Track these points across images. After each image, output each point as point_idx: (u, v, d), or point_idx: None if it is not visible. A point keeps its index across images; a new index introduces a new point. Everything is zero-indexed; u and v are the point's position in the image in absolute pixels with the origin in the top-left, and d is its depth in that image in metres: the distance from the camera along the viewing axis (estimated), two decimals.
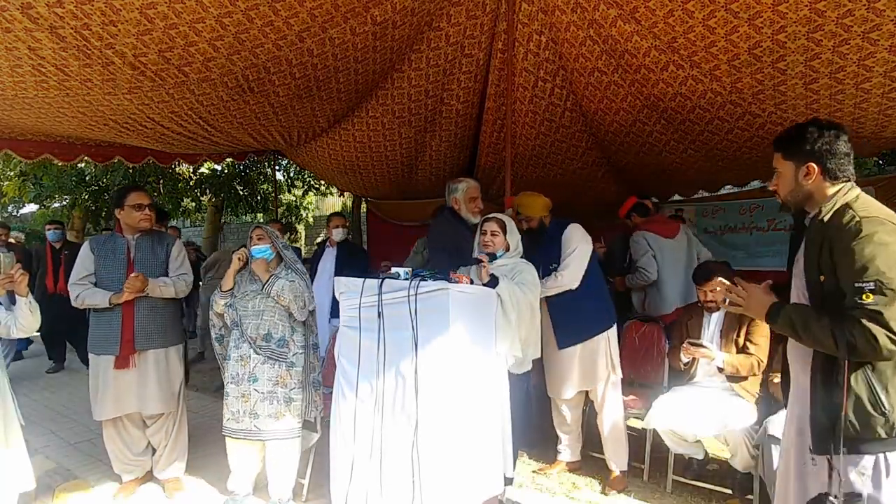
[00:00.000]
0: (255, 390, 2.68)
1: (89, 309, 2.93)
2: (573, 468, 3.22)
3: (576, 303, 2.93)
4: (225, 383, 2.79)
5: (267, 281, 2.77)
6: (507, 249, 2.71)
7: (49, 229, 5.78)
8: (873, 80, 2.57)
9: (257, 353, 2.71)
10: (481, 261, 2.54)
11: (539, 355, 2.75)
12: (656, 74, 3.13)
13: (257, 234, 2.84)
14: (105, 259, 2.91)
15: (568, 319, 2.96)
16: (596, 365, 2.98)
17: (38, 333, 6.30)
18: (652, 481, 3.06)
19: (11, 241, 6.03)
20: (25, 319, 2.38)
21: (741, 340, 2.90)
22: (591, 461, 3.23)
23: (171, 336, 2.97)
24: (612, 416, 3.05)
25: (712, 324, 3.02)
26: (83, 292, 2.85)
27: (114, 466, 2.98)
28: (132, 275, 2.82)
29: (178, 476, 3.04)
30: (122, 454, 2.95)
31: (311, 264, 4.56)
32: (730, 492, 2.89)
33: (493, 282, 2.49)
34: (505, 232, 2.70)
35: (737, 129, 3.40)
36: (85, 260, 2.93)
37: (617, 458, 3.05)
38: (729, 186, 5.36)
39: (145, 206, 2.95)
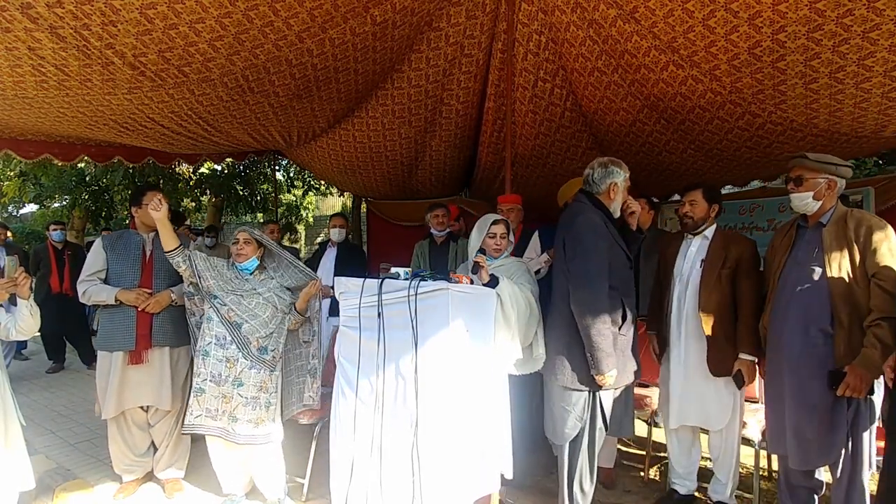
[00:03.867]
0: (239, 394, 2.65)
1: (95, 307, 2.93)
2: None
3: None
4: (196, 378, 2.69)
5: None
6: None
7: (55, 230, 5.79)
8: (873, 79, 2.57)
9: (246, 358, 2.67)
10: (478, 262, 2.53)
11: (544, 356, 2.74)
12: (656, 74, 3.13)
13: (244, 239, 2.79)
14: (119, 255, 2.89)
15: None
16: None
17: (39, 333, 6.33)
18: (652, 481, 3.06)
19: (9, 235, 6.02)
20: (25, 322, 2.37)
21: (727, 273, 2.58)
22: None
23: (183, 335, 2.98)
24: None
25: (692, 249, 2.72)
26: (90, 288, 2.84)
27: (115, 467, 2.98)
28: (146, 294, 2.84)
29: (178, 476, 3.04)
30: (124, 455, 2.95)
31: (312, 264, 4.58)
32: None
33: (492, 282, 2.49)
34: (508, 233, 2.72)
35: (737, 129, 3.39)
36: (96, 256, 2.90)
37: (609, 454, 3.09)
38: (729, 186, 5.35)
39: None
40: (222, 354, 2.68)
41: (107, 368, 2.83)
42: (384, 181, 5.60)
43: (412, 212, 6.04)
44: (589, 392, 2.38)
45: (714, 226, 2.74)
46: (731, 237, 2.72)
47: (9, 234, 5.99)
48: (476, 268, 2.50)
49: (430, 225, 4.42)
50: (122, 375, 2.81)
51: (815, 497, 2.33)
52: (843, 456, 2.14)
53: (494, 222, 2.71)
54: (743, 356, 2.53)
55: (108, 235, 3.04)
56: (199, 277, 2.70)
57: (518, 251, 2.91)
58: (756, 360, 2.53)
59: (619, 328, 2.36)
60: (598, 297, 2.28)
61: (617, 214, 2.52)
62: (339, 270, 4.04)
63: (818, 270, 2.15)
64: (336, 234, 4.49)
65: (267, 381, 2.71)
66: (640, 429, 3.51)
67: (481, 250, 2.69)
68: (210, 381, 2.67)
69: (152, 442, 3.03)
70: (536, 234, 3.33)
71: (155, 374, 2.87)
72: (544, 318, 2.58)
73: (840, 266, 2.11)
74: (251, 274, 2.81)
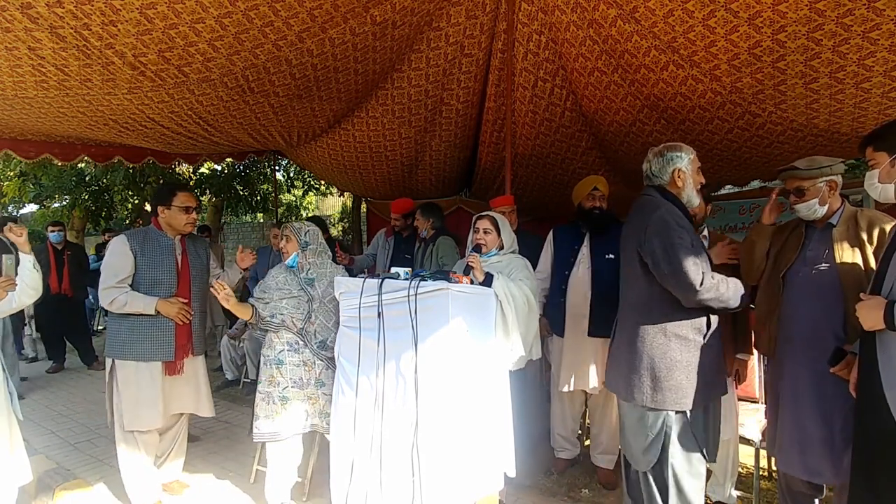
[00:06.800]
0: (324, 394, 2.69)
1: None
2: (572, 467, 3.23)
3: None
4: (276, 388, 2.64)
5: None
6: (501, 248, 2.71)
7: (52, 231, 5.79)
8: (873, 79, 2.57)
9: (321, 360, 2.70)
10: (469, 263, 2.52)
11: (540, 354, 2.73)
12: (656, 74, 3.13)
13: (285, 236, 2.73)
14: (150, 259, 2.67)
15: (611, 311, 2.80)
16: None
17: (39, 334, 6.33)
18: None
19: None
20: (30, 277, 2.36)
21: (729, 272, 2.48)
22: (590, 461, 3.22)
23: (204, 341, 2.95)
24: (615, 413, 3.04)
25: None
26: (120, 297, 2.59)
27: (131, 488, 2.75)
28: (187, 309, 2.73)
29: (178, 476, 3.03)
30: (141, 468, 2.75)
31: None
32: None
33: (487, 280, 2.49)
34: (498, 230, 2.70)
35: (737, 129, 3.39)
36: (124, 260, 2.63)
37: (611, 454, 3.10)
38: (729, 186, 5.36)
39: (193, 210, 2.79)
40: (298, 359, 2.68)
41: (133, 378, 2.64)
42: (384, 181, 5.61)
43: None
44: (671, 411, 2.07)
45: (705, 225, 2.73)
46: (720, 237, 2.71)
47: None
48: (468, 268, 2.49)
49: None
50: (163, 386, 2.69)
51: (817, 501, 2.31)
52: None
53: (478, 218, 2.74)
54: (740, 356, 2.53)
55: (132, 234, 2.72)
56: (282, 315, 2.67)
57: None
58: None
59: (705, 336, 2.07)
60: (710, 283, 1.95)
61: (694, 203, 2.19)
62: None
63: (829, 271, 2.08)
64: None
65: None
66: None
67: (476, 248, 2.68)
68: (293, 387, 2.65)
69: None
70: (551, 234, 3.26)
71: (191, 382, 2.81)
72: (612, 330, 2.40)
73: (852, 267, 2.05)
74: (293, 268, 2.77)
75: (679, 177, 2.16)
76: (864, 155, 1.88)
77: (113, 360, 2.67)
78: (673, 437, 2.05)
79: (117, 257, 2.64)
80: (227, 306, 2.59)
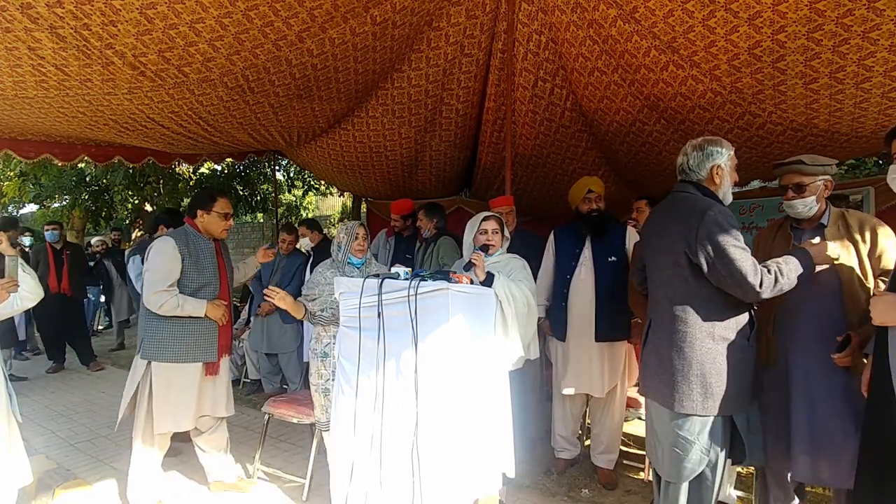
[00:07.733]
0: None
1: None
2: (572, 467, 3.23)
3: (624, 302, 2.82)
4: (319, 380, 2.76)
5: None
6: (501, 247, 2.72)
7: (48, 230, 5.80)
8: (873, 79, 2.57)
9: None
10: (472, 261, 2.52)
11: (538, 355, 2.73)
12: (656, 74, 3.13)
13: (363, 237, 2.76)
14: (197, 263, 2.71)
15: (615, 314, 2.91)
16: (619, 364, 3.01)
17: (38, 334, 6.33)
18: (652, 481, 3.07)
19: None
20: (26, 283, 2.37)
21: None
22: (590, 461, 3.22)
23: None
24: (617, 413, 3.09)
25: None
26: (171, 300, 2.59)
27: (134, 487, 2.74)
28: (227, 309, 2.79)
29: (229, 475, 3.02)
30: (151, 468, 2.78)
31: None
32: None
33: (488, 280, 2.49)
34: (503, 230, 2.71)
35: (737, 129, 3.40)
36: (173, 263, 2.62)
37: (611, 454, 3.11)
38: None
39: (231, 216, 2.85)
40: None
41: (172, 380, 2.65)
42: (384, 181, 5.61)
43: None
44: (718, 417, 1.98)
45: None
46: None
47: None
48: (469, 265, 2.49)
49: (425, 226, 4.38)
50: (199, 387, 2.73)
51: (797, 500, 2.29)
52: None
53: (485, 218, 2.72)
54: None
55: (176, 237, 2.71)
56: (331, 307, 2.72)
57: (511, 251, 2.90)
58: None
59: (748, 338, 2.02)
60: (768, 281, 1.91)
61: (728, 201, 2.14)
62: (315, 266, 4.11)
63: (827, 271, 2.07)
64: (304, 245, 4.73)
65: None
66: (640, 428, 3.51)
67: (483, 247, 2.67)
68: (332, 379, 2.70)
69: None
70: (552, 236, 3.24)
71: (218, 381, 2.84)
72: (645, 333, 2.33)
73: (849, 267, 2.06)
74: (359, 268, 2.78)
75: (717, 173, 2.12)
76: (891, 148, 1.88)
77: (149, 362, 2.64)
78: (719, 442, 2.00)
79: (168, 261, 2.60)
80: (282, 306, 2.64)
